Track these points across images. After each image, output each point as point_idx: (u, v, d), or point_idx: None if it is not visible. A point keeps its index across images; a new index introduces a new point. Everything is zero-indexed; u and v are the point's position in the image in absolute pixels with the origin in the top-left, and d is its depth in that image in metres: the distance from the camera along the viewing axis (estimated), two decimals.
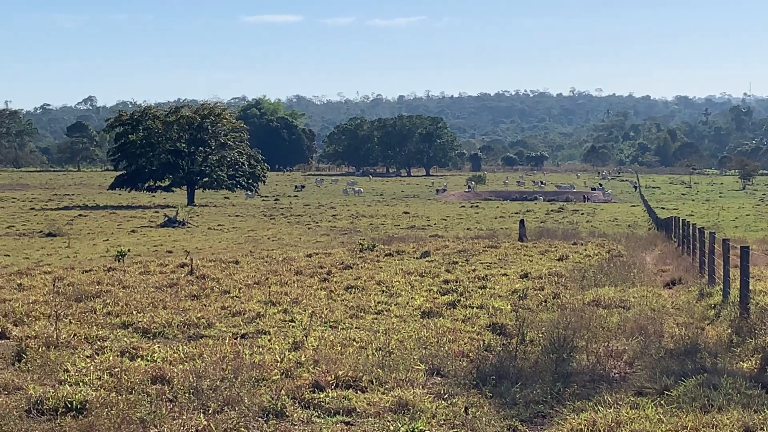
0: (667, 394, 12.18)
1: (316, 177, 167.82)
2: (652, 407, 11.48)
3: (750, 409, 11.23)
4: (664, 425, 10.65)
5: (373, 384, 12.93)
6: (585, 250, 37.51)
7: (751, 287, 18.14)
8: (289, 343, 15.60)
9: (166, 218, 62.58)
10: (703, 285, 23.63)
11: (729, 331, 16.80)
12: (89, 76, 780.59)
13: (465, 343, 15.89)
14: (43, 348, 14.50)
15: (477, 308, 20.11)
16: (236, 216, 74.00)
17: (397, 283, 24.83)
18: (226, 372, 12.97)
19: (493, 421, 11.55)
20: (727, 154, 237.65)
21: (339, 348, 15.14)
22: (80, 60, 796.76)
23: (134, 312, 18.75)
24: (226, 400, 11.61)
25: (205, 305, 20.14)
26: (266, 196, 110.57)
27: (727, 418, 10.79)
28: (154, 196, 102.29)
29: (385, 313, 19.65)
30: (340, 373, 13.09)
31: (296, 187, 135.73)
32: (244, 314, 18.88)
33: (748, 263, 17.93)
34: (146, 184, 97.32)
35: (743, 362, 14.49)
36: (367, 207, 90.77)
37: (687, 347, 15.18)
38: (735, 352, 15.20)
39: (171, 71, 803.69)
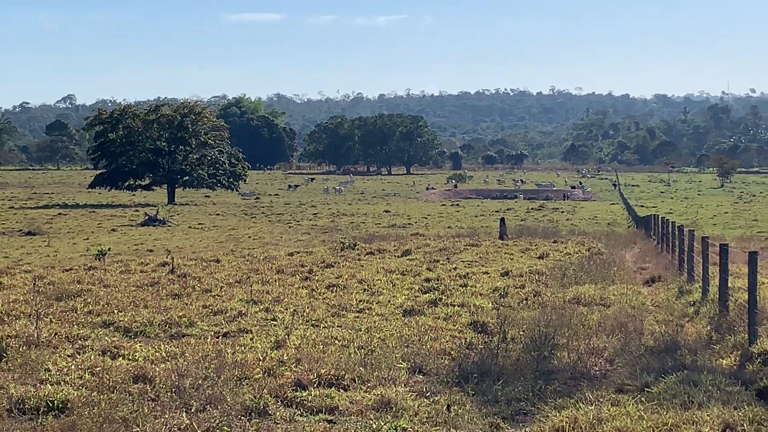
0: (647, 391, 12.26)
1: (306, 176, 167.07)
2: (632, 404, 11.55)
3: (730, 405, 11.31)
4: (644, 422, 10.71)
5: (355, 382, 12.96)
6: (565, 248, 37.64)
7: (729, 284, 18.26)
8: (271, 341, 15.60)
9: (147, 217, 62.39)
10: (682, 282, 23.77)
11: (708, 328, 16.91)
12: (68, 75, 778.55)
13: (447, 341, 15.94)
14: (24, 347, 14.44)
15: (458, 306, 20.16)
16: (217, 215, 73.84)
17: (379, 281, 24.86)
18: (209, 371, 12.96)
19: (475, 419, 11.59)
20: (706, 152, 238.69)
21: (321, 346, 15.16)
22: (59, 58, 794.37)
23: (115, 311, 18.70)
24: (208, 398, 11.61)
25: (186, 304, 20.10)
26: (245, 194, 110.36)
27: (707, 415, 10.87)
28: (134, 194, 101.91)
29: (367, 311, 19.67)
30: (323, 371, 13.11)
31: (289, 186, 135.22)
32: (225, 313, 18.86)
33: (727, 261, 18.05)
34: (126, 183, 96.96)
35: (723, 359, 14.59)
36: (348, 206, 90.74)
37: (667, 344, 15.28)
38: (714, 349, 15.30)
39: (151, 70, 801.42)
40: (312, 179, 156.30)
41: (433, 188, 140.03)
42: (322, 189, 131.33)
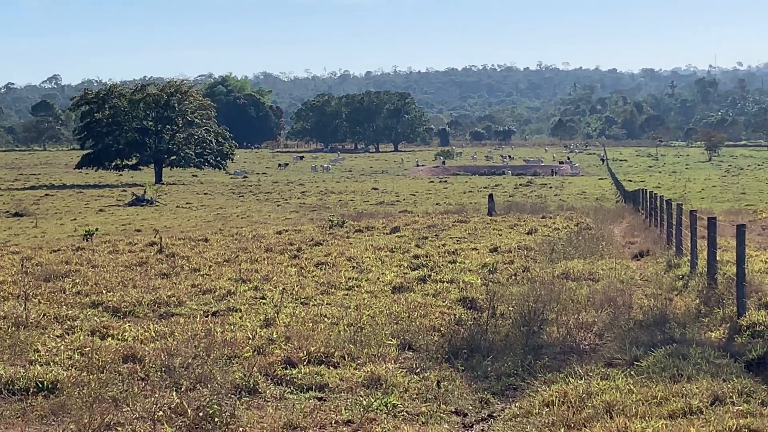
0: (636, 365, 12.28)
1: (295, 154, 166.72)
2: (622, 378, 11.58)
3: (719, 378, 11.34)
4: (634, 395, 10.74)
5: (345, 359, 12.97)
6: (554, 223, 37.69)
7: (718, 258, 18.30)
8: (260, 320, 15.59)
9: (134, 197, 62.24)
10: (670, 256, 23.81)
11: (697, 301, 16.95)
12: (54, 55, 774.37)
13: (436, 318, 15.95)
14: (13, 328, 14.41)
15: (447, 283, 20.17)
16: (205, 194, 73.71)
17: (368, 258, 24.85)
18: (198, 350, 12.96)
19: (465, 395, 11.62)
20: (693, 125, 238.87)
21: (310, 324, 15.16)
22: (44, 38, 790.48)
23: (104, 291, 18.67)
24: (198, 377, 11.60)
25: (175, 283, 20.08)
26: (234, 174, 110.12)
27: (696, 388, 10.90)
28: (121, 174, 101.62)
29: (356, 288, 19.67)
30: (312, 349, 13.11)
31: (279, 164, 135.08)
32: (214, 292, 18.84)
33: (715, 234, 18.08)
34: (113, 163, 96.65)
35: (711, 332, 14.63)
36: (336, 183, 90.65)
37: (656, 318, 15.32)
38: (703, 322, 15.34)
39: (136, 49, 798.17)
40: (301, 157, 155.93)
41: (422, 165, 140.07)
42: (310, 167, 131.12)
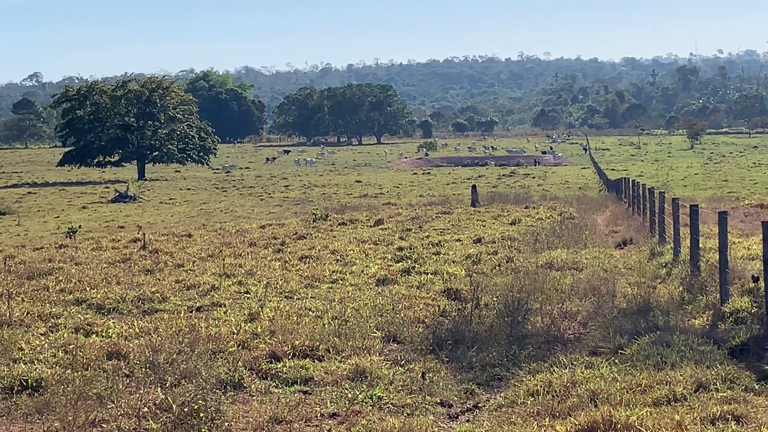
0: (621, 353, 12.32)
1: (280, 149, 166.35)
2: (606, 366, 11.62)
3: (702, 364, 11.39)
4: (618, 383, 10.78)
5: (330, 353, 12.97)
6: (537, 213, 37.75)
7: (701, 245, 18.36)
8: (244, 314, 15.58)
9: (117, 193, 62.02)
10: (654, 244, 23.90)
11: (680, 289, 17.01)
12: (34, 52, 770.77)
13: (420, 309, 15.97)
14: None
15: (431, 274, 20.20)
16: (188, 189, 73.51)
17: (352, 251, 24.86)
18: (183, 345, 12.93)
19: (450, 386, 11.64)
20: (675, 114, 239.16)
21: (295, 318, 15.16)
22: (24, 35, 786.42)
23: (87, 288, 18.62)
24: (183, 373, 11.59)
25: (159, 279, 20.05)
26: (217, 169, 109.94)
27: (680, 375, 10.94)
28: (104, 171, 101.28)
29: (340, 282, 19.68)
30: (297, 342, 13.11)
31: (267, 159, 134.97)
32: (198, 287, 18.82)
33: (698, 222, 18.15)
34: (96, 160, 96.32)
35: (695, 319, 14.69)
36: (319, 177, 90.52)
37: (639, 306, 15.36)
38: (687, 309, 15.40)
39: (117, 45, 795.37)
40: (287, 151, 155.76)
41: (405, 157, 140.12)
42: (294, 161, 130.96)
